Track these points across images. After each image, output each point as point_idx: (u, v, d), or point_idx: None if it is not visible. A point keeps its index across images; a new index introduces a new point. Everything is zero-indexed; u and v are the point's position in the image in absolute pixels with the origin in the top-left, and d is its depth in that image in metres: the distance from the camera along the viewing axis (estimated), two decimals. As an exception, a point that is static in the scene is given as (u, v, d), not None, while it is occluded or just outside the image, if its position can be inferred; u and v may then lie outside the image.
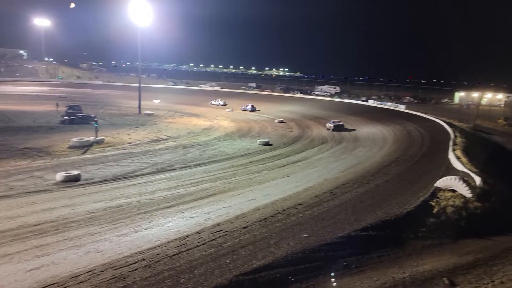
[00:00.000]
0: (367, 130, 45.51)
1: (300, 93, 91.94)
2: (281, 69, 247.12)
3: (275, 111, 64.31)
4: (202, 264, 10.13)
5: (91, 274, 9.51)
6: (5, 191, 17.69)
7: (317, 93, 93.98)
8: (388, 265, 11.45)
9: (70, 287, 8.85)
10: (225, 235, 12.47)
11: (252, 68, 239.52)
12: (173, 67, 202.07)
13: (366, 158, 29.28)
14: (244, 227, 13.21)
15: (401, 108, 63.90)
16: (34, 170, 21.80)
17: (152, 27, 59.14)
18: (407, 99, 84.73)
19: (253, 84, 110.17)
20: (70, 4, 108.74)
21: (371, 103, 72.94)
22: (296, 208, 15.64)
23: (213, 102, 72.65)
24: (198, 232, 12.71)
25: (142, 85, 58.55)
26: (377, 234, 13.21)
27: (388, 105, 69.17)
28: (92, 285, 8.94)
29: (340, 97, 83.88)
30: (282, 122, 52.95)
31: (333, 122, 46.95)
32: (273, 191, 18.99)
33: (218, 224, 13.67)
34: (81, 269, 9.82)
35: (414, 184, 20.37)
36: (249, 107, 66.75)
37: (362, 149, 33.28)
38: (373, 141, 37.50)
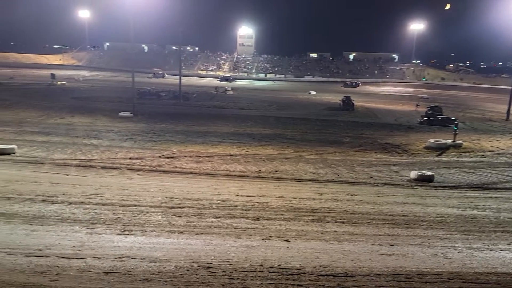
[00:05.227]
0: None
1: None
2: None
3: None
4: None
5: (437, 278, 9.37)
6: (366, 178, 20.23)
7: None
8: None
9: (416, 283, 9.05)
10: None
11: None
12: None
13: None
14: None
15: None
16: (391, 164, 23.62)
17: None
18: None
19: None
20: (445, 6, 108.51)
21: None
22: None
23: None
24: None
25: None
26: None
27: None
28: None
29: None
30: None
31: None
32: None
33: None
34: (428, 269, 9.84)
35: None
36: None
37: None
38: None
